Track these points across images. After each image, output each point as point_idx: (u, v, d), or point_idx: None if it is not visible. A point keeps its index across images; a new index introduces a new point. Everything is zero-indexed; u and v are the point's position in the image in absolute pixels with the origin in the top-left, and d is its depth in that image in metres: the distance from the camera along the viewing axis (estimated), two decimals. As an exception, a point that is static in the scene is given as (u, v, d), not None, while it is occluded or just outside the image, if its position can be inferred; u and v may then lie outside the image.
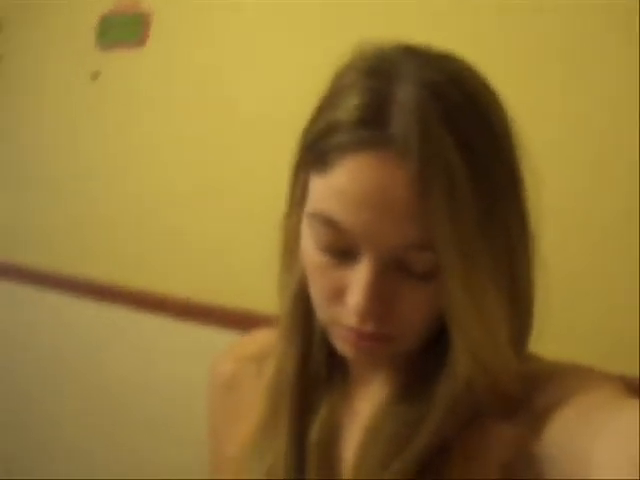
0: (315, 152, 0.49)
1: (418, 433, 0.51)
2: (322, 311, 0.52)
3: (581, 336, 1.09)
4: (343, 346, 0.52)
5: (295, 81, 1.46)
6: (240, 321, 1.44)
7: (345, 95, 0.48)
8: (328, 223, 0.48)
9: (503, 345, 0.48)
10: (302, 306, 0.57)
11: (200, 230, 1.59)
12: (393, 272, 0.48)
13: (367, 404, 0.57)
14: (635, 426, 0.38)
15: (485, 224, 0.46)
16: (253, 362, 0.65)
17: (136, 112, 1.72)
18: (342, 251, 0.48)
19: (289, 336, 0.59)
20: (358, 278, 0.47)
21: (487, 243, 0.46)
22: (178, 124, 1.65)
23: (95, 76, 1.79)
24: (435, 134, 0.44)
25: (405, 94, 0.45)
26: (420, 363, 0.55)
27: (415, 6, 1.30)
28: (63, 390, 1.78)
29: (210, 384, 0.69)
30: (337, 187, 0.47)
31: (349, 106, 0.47)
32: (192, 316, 1.55)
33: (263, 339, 0.66)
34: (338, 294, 0.49)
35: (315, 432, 0.57)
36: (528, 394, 0.50)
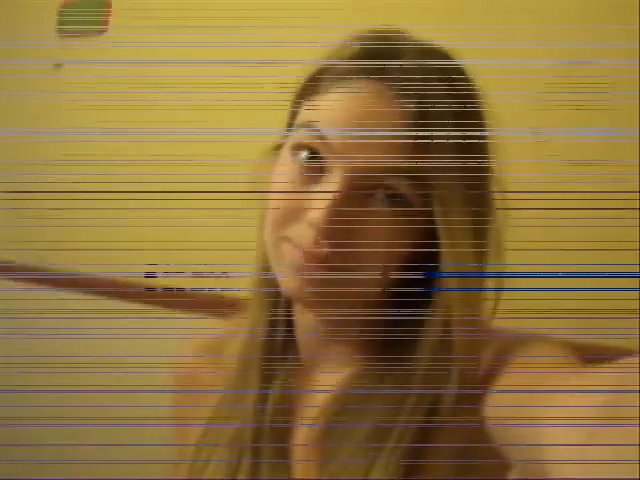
0: (307, 90, 0.52)
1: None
2: (275, 231, 0.51)
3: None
4: (287, 276, 0.50)
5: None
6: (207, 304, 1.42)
7: (340, 50, 0.52)
8: (313, 131, 0.49)
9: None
10: None
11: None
12: (361, 200, 0.49)
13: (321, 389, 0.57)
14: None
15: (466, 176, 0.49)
16: (211, 352, 0.66)
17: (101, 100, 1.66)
18: (317, 169, 0.49)
19: (260, 294, 0.60)
20: (324, 193, 0.48)
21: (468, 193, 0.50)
22: (147, 114, 1.60)
23: (58, 66, 1.74)
24: (434, 81, 0.49)
25: (402, 54, 0.50)
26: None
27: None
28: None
29: (174, 370, 0.70)
30: (329, 103, 0.49)
31: (347, 51, 0.51)
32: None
33: (221, 329, 0.69)
34: (299, 214, 0.49)
35: (270, 407, 0.57)
36: None
